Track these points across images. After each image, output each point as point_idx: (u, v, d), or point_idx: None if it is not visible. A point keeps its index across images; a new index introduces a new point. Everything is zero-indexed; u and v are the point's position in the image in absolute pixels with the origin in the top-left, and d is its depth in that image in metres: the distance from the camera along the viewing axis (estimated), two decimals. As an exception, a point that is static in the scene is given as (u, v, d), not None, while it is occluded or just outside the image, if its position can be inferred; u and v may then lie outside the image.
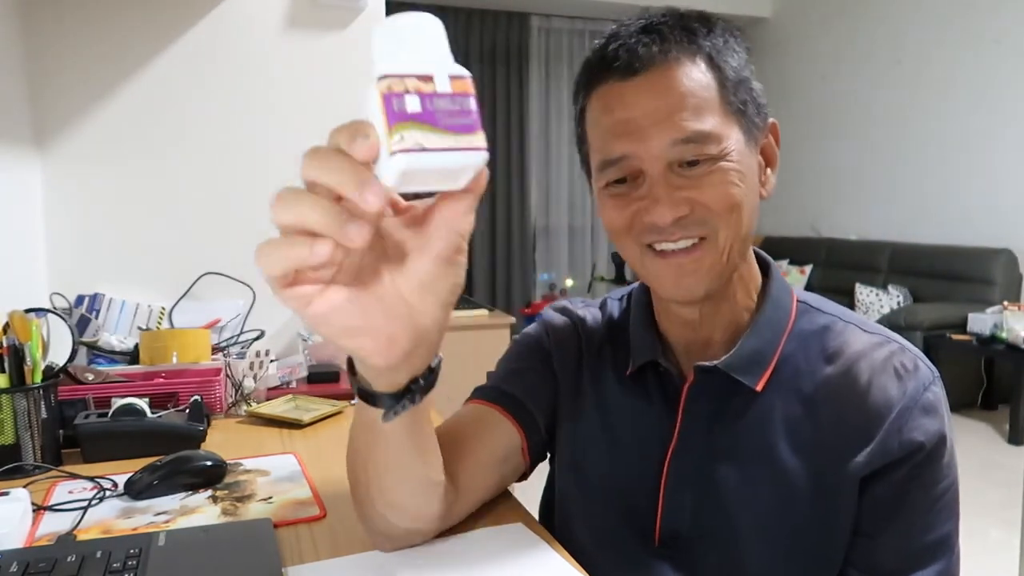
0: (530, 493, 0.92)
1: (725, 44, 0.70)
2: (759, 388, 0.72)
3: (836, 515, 0.71)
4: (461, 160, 0.40)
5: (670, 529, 0.75)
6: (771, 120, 0.74)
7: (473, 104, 0.41)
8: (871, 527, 0.71)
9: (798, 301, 0.78)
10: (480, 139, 0.40)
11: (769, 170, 0.74)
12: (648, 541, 0.76)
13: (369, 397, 0.55)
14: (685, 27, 0.69)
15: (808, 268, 5.38)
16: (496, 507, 0.81)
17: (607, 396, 0.82)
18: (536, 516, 0.81)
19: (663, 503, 0.75)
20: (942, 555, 0.71)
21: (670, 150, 0.66)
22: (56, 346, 1.05)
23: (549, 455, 0.89)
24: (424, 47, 0.41)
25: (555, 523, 0.86)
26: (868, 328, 0.75)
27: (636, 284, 0.85)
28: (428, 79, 0.39)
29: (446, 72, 0.40)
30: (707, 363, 0.73)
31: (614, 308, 0.88)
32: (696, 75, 0.67)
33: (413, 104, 0.38)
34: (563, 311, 0.90)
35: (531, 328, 0.91)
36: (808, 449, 0.71)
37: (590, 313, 0.89)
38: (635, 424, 0.79)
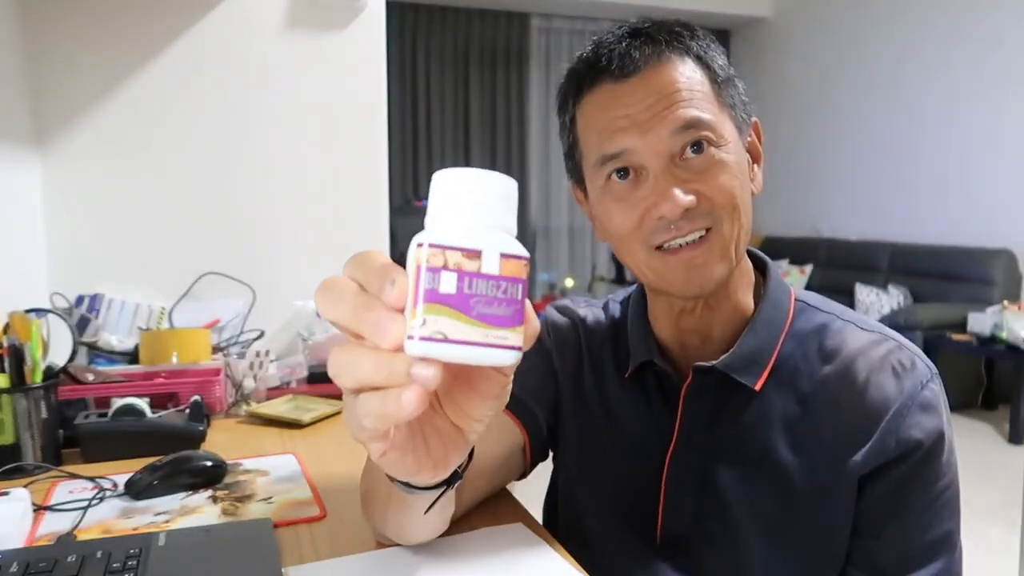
0: (530, 493, 0.92)
1: (708, 46, 0.71)
2: (757, 388, 0.72)
3: (836, 515, 0.70)
4: (486, 357, 0.35)
5: (671, 530, 0.75)
6: (753, 119, 0.75)
7: (520, 291, 0.36)
8: (871, 527, 0.71)
9: (796, 300, 0.78)
10: (516, 335, 0.36)
11: (756, 166, 0.75)
12: (650, 541, 0.76)
13: (407, 488, 0.53)
14: (670, 31, 0.70)
15: (808, 268, 5.38)
16: (496, 507, 0.81)
17: (609, 396, 0.82)
18: (535, 515, 0.81)
19: (663, 504, 0.75)
20: (943, 553, 0.71)
21: (671, 139, 0.66)
22: (56, 346, 1.05)
23: (552, 453, 0.89)
24: (486, 212, 0.36)
25: (559, 520, 0.87)
26: (865, 326, 0.75)
27: (635, 286, 0.85)
28: (475, 255, 0.35)
29: (498, 249, 0.35)
30: (705, 363, 0.73)
31: (615, 310, 0.88)
32: (688, 72, 0.68)
33: (448, 284, 0.34)
34: (563, 311, 0.90)
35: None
36: (807, 448, 0.71)
37: (592, 312, 0.89)
38: (636, 425, 0.79)
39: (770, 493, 0.71)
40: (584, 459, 0.83)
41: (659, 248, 0.70)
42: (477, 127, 5.78)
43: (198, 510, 0.81)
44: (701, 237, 0.68)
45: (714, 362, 0.72)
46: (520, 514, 0.80)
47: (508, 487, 0.87)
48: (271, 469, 0.94)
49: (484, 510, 0.80)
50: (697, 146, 0.67)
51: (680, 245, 0.69)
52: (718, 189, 0.67)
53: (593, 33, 0.74)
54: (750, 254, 0.79)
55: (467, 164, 5.77)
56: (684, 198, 0.66)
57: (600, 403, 0.82)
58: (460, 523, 0.75)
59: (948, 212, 4.73)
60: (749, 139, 0.74)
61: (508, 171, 5.83)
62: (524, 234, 6.00)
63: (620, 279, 5.66)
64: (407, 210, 3.59)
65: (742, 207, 0.69)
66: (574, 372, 0.85)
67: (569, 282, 6.15)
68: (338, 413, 1.21)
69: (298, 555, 0.70)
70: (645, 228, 0.69)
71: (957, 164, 4.66)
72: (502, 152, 5.86)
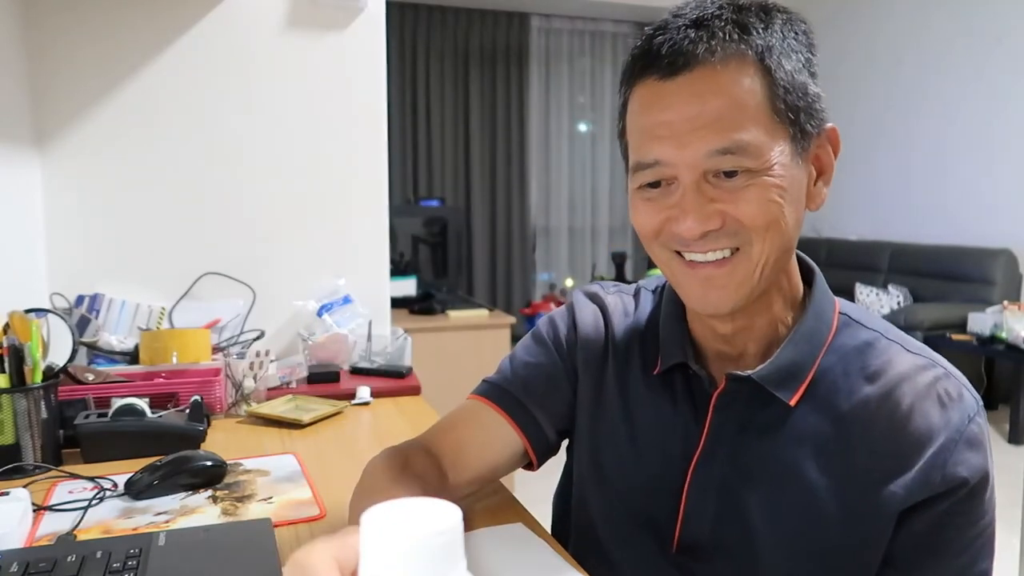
0: (531, 493, 0.92)
1: (783, 42, 0.64)
2: (792, 403, 0.69)
3: (865, 542, 0.67)
4: None
5: (689, 538, 0.72)
6: (829, 125, 0.69)
7: None
8: (906, 562, 0.67)
9: (840, 313, 0.74)
10: None
11: (821, 181, 0.69)
12: (666, 547, 0.74)
13: None
14: (740, 22, 0.63)
15: (808, 268, 5.37)
16: (496, 507, 0.81)
17: (631, 394, 0.78)
18: (536, 515, 0.81)
19: (684, 511, 0.72)
20: None
21: (707, 160, 0.62)
22: (56, 346, 1.05)
23: (567, 443, 0.86)
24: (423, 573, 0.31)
25: (572, 514, 0.84)
26: (912, 348, 0.71)
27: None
28: None
29: None
30: (740, 372, 0.70)
31: (647, 301, 0.84)
32: (743, 80, 0.62)
33: None
34: (593, 298, 0.86)
35: (557, 315, 0.87)
36: (839, 471, 0.68)
37: (621, 302, 0.85)
38: (659, 427, 0.76)
39: (795, 512, 0.68)
40: (600, 458, 0.79)
41: (679, 254, 0.67)
42: (477, 127, 5.78)
43: (198, 510, 0.81)
44: (725, 258, 0.65)
45: (750, 372, 0.69)
46: (520, 514, 0.80)
47: (508, 487, 0.87)
48: (271, 469, 0.94)
49: (484, 510, 0.80)
50: (732, 172, 0.63)
51: (701, 261, 0.66)
52: (750, 213, 0.63)
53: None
54: (799, 261, 0.75)
55: (467, 164, 5.77)
56: (702, 223, 0.63)
57: (620, 401, 0.79)
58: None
59: (948, 212, 4.73)
60: (819, 149, 0.69)
61: (508, 171, 5.86)
62: (524, 234, 6.00)
63: (620, 279, 5.66)
64: (407, 210, 3.59)
65: (781, 228, 0.64)
66: (597, 367, 0.81)
67: (569, 282, 6.15)
68: (338, 413, 1.21)
69: (298, 555, 0.70)
70: (665, 233, 0.67)
71: (957, 164, 4.66)
72: (502, 152, 5.85)
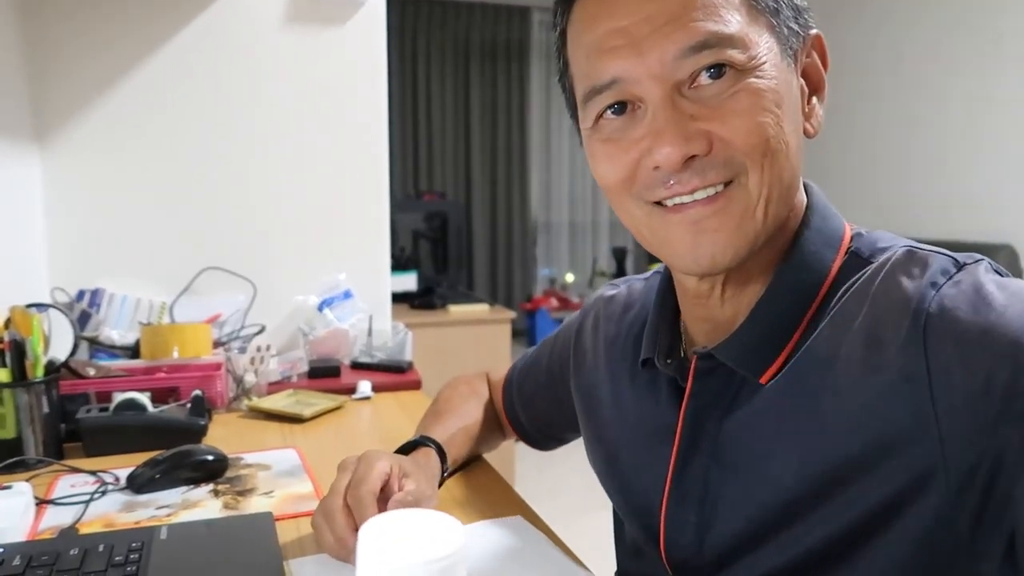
0: (530, 487, 0.92)
1: None
2: (764, 380, 0.55)
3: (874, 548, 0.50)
4: None
5: (677, 557, 0.60)
6: (815, 31, 0.56)
7: None
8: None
9: (847, 253, 0.58)
10: None
11: (815, 98, 0.56)
12: (664, 568, 0.62)
13: None
14: None
15: (809, 263, 5.36)
16: (496, 500, 0.82)
17: (620, 393, 0.69)
18: (535, 508, 0.81)
19: (664, 524, 0.61)
20: None
21: (678, 64, 0.50)
22: (57, 341, 1.05)
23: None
24: None
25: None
26: (913, 272, 0.52)
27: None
28: None
29: None
30: (700, 349, 0.58)
31: (641, 288, 0.75)
32: None
33: None
34: (595, 302, 0.79)
35: (562, 329, 0.87)
36: (820, 465, 0.51)
37: (625, 296, 0.76)
38: (644, 425, 0.65)
39: (774, 512, 0.54)
40: (600, 461, 0.73)
41: (659, 204, 0.53)
42: (478, 122, 5.77)
43: (200, 504, 0.82)
44: (716, 193, 0.51)
45: (709, 347, 0.57)
46: (520, 507, 0.80)
47: (508, 480, 0.87)
48: (272, 463, 0.95)
49: (484, 503, 0.80)
50: (715, 70, 0.50)
51: (687, 202, 0.52)
52: (742, 128, 0.50)
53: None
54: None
55: (468, 159, 5.77)
56: (683, 146, 0.49)
57: (613, 401, 0.70)
58: (459, 515, 0.76)
59: (949, 209, 4.73)
60: (807, 59, 0.56)
61: (508, 166, 5.85)
62: (525, 229, 6.01)
63: (621, 275, 5.66)
64: (408, 205, 3.59)
65: (781, 151, 0.51)
66: (590, 374, 0.75)
67: (570, 277, 6.15)
68: (339, 408, 1.22)
69: (299, 548, 0.71)
70: (639, 180, 0.53)
71: (958, 162, 4.66)
72: (502, 147, 5.85)
